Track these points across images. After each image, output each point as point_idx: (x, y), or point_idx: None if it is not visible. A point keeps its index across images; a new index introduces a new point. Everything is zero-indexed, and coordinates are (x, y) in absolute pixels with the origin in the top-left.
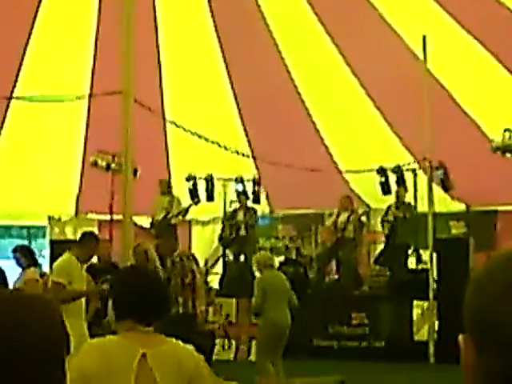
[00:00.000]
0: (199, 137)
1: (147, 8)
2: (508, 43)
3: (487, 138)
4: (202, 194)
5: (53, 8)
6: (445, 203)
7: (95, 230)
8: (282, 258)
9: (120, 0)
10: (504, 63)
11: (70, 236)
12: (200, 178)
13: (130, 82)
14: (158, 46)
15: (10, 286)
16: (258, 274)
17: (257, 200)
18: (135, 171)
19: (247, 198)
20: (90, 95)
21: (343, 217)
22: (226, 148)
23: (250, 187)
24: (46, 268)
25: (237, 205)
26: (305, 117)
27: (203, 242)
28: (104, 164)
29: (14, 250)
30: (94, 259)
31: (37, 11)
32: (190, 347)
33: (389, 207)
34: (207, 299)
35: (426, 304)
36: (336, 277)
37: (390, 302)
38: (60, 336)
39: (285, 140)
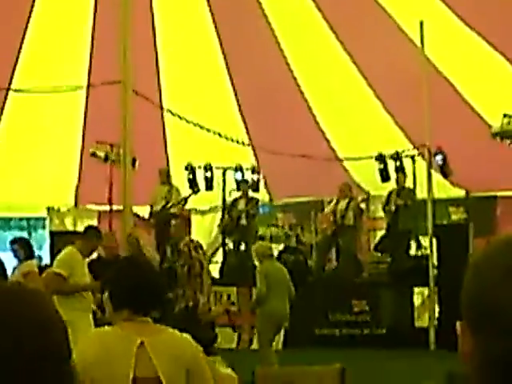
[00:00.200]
0: (197, 126)
1: None
2: (504, 29)
3: (486, 123)
4: (201, 183)
5: None
6: (444, 189)
7: (95, 221)
8: (281, 247)
9: None
10: (500, 50)
11: (69, 227)
12: (199, 168)
13: (129, 72)
14: (155, 36)
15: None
16: (257, 264)
17: (256, 189)
18: (134, 161)
19: (249, 186)
20: (88, 85)
21: (342, 204)
22: (225, 137)
23: (248, 176)
24: (46, 259)
25: (236, 194)
26: (303, 105)
27: (203, 231)
28: (103, 154)
29: (13, 242)
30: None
31: (33, 2)
32: (188, 336)
33: (389, 194)
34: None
35: (426, 290)
36: (336, 264)
37: (391, 288)
38: (58, 331)
39: (283, 128)
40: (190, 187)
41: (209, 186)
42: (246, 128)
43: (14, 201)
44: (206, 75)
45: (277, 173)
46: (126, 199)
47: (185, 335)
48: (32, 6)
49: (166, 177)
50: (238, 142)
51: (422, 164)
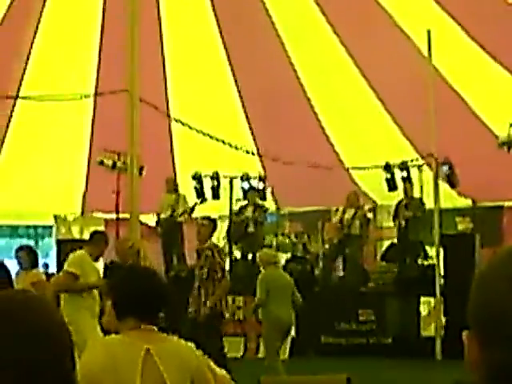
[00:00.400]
0: (204, 135)
1: (151, 7)
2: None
3: (493, 133)
4: (208, 191)
5: (58, 7)
6: (451, 199)
7: (101, 229)
8: (288, 256)
9: None
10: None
11: (76, 235)
12: (206, 176)
13: (136, 81)
14: (162, 45)
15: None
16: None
17: (263, 197)
18: (141, 170)
19: (258, 194)
20: (96, 94)
21: (349, 213)
22: (233, 146)
23: (255, 185)
24: (52, 267)
25: (243, 202)
26: (310, 114)
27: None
28: (110, 163)
29: (19, 249)
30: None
31: (42, 10)
32: (192, 345)
33: (397, 206)
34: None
35: (432, 300)
36: (342, 273)
37: (397, 298)
38: (63, 341)
39: (290, 137)
40: (197, 196)
41: (215, 194)
42: (253, 137)
43: (21, 209)
44: (213, 84)
45: (284, 182)
46: (133, 207)
47: (189, 344)
48: (40, 15)
49: (173, 185)
50: (246, 151)
51: (428, 174)
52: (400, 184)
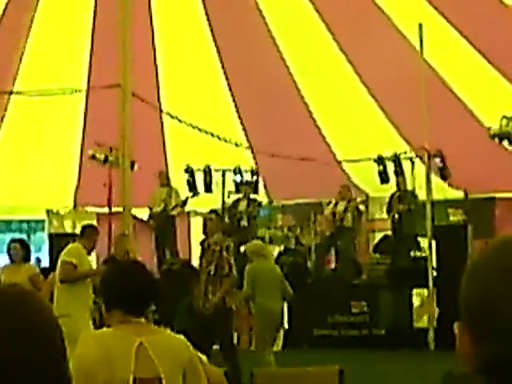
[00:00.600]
0: (196, 128)
1: (143, 1)
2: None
3: (484, 125)
4: (200, 185)
5: (50, 2)
6: (443, 191)
7: (94, 223)
8: (281, 248)
9: None
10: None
11: (68, 229)
12: (198, 170)
13: (128, 76)
14: (154, 40)
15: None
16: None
17: (255, 190)
18: (133, 164)
19: (252, 188)
20: (88, 88)
21: (341, 206)
22: (224, 140)
23: (247, 178)
24: (45, 261)
25: (235, 196)
26: (302, 107)
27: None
28: (102, 157)
29: (13, 241)
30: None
31: (36, 5)
32: (182, 337)
33: (391, 199)
34: None
35: (425, 291)
36: (335, 266)
37: (390, 290)
38: (54, 337)
39: (282, 130)
40: (189, 189)
41: (208, 188)
42: (245, 130)
43: (14, 203)
44: (205, 78)
45: (276, 175)
46: (126, 201)
47: (180, 336)
48: (35, 10)
49: (165, 179)
50: (236, 144)
51: (420, 166)
52: (392, 177)
